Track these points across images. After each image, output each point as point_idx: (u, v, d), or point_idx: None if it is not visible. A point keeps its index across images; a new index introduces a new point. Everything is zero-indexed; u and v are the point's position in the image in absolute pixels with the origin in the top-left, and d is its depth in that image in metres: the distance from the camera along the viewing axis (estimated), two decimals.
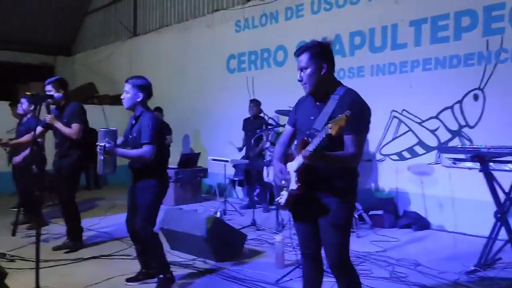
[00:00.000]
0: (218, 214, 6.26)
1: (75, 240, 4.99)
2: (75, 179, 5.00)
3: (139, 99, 3.69)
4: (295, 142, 2.85)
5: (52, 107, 4.79)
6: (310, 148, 2.33)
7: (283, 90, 7.67)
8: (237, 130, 7.98)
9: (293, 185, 2.53)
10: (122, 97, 3.74)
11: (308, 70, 2.54)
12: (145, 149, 3.57)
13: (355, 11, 6.87)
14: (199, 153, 8.57)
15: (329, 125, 2.18)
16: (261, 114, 7.71)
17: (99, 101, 11.18)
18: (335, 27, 7.04)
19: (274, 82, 7.90)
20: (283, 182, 2.61)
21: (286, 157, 2.70)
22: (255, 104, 7.45)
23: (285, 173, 2.60)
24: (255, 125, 7.21)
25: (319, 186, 2.54)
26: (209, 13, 9.35)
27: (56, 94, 4.70)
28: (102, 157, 3.62)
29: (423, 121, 6.18)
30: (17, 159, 5.86)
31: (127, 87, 3.70)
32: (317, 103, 2.61)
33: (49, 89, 4.75)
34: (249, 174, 7.34)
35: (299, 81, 2.61)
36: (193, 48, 9.69)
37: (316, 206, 2.57)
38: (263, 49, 8.26)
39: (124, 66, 11.44)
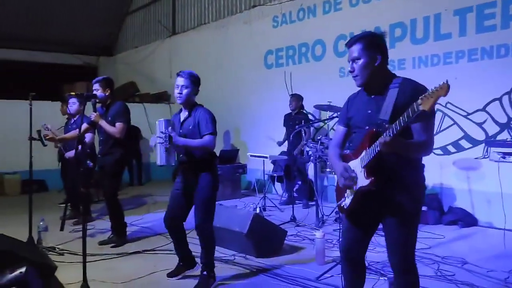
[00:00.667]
0: (258, 210, 6.27)
1: (119, 235, 5.13)
2: (118, 177, 5.14)
3: (189, 92, 3.68)
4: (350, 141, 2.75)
5: (98, 105, 4.92)
6: (390, 132, 2.17)
7: (321, 84, 7.59)
8: (276, 126, 7.96)
9: (363, 181, 2.38)
10: (179, 91, 3.66)
11: (361, 61, 2.43)
12: (208, 139, 3.59)
13: (395, 3, 6.70)
14: (238, 150, 8.61)
15: (419, 101, 1.98)
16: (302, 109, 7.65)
17: (140, 99, 11.45)
18: (375, 20, 6.88)
19: (313, 77, 7.82)
20: (350, 181, 2.44)
21: (342, 159, 2.57)
22: (294, 99, 7.37)
23: (350, 170, 2.44)
24: (296, 120, 7.16)
25: (389, 181, 2.39)
26: (246, 9, 9.37)
27: (100, 94, 4.83)
28: (167, 146, 3.56)
29: (469, 114, 5.95)
30: (70, 154, 6.07)
31: (183, 81, 3.66)
32: (373, 96, 2.48)
33: (96, 88, 4.90)
34: (288, 170, 7.31)
35: (350, 72, 2.50)
36: (231, 45, 9.75)
37: (385, 203, 2.42)
38: (301, 43, 8.19)
39: (163, 65, 11.65)
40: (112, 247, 4.95)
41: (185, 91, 3.66)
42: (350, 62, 2.49)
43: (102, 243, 5.06)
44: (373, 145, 2.30)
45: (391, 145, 2.17)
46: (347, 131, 2.66)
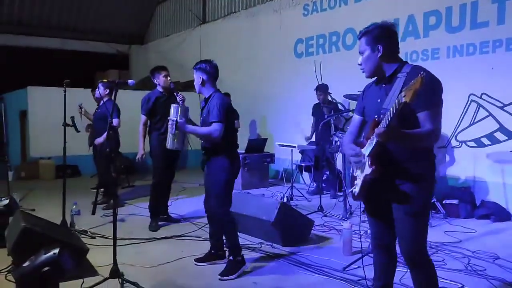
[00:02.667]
0: (285, 199, 6.27)
1: (154, 217, 5.28)
2: (160, 160, 5.27)
3: (201, 80, 3.75)
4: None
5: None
6: (383, 124, 2.22)
7: (352, 74, 7.43)
8: (304, 115, 7.91)
9: (367, 170, 2.42)
10: (194, 84, 3.84)
11: (365, 54, 2.52)
12: (213, 127, 3.61)
13: None
14: (266, 139, 8.61)
15: (403, 93, 2.06)
16: (330, 99, 7.56)
17: None
18: (408, 8, 6.72)
19: (343, 66, 7.71)
20: (358, 157, 2.49)
21: (356, 145, 2.59)
22: (321, 92, 7.25)
23: (358, 149, 2.50)
24: (325, 110, 7.09)
25: (393, 171, 2.42)
26: None
27: (130, 81, 4.91)
28: (174, 132, 3.71)
29: (506, 105, 5.75)
30: (99, 140, 6.22)
31: (194, 75, 3.81)
32: (383, 85, 2.51)
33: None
34: (317, 160, 7.27)
35: (359, 65, 2.58)
36: (261, 34, 9.70)
37: (391, 193, 2.45)
38: (332, 32, 8.07)
39: (194, 53, 11.71)
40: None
41: (197, 83, 3.79)
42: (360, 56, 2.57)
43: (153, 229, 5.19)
44: (373, 135, 2.34)
45: (386, 135, 2.22)
46: (362, 120, 2.71)
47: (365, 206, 2.71)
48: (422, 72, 2.04)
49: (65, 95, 4.95)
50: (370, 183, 2.46)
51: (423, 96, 2.10)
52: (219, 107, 3.63)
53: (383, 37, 2.47)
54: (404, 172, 2.41)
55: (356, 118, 2.73)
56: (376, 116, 2.40)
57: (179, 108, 3.78)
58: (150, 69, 5.65)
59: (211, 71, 3.77)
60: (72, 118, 5.57)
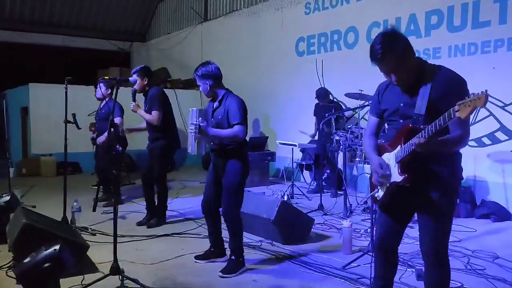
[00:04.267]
0: (286, 198, 6.27)
1: (160, 216, 5.31)
2: (165, 161, 5.31)
3: (208, 87, 3.72)
4: (384, 131, 2.71)
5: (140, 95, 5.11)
6: (425, 134, 2.16)
7: (353, 73, 7.47)
8: (305, 114, 7.91)
9: (397, 177, 2.36)
10: (201, 90, 3.80)
11: (398, 71, 2.35)
12: (237, 129, 3.57)
13: None
14: (267, 137, 8.61)
15: (456, 107, 1.98)
16: (331, 98, 7.58)
17: (171, 85, 11.57)
18: (410, 7, 6.71)
19: (344, 65, 7.71)
20: (384, 178, 2.43)
21: (378, 149, 2.56)
22: (322, 97, 7.28)
23: (386, 168, 2.42)
24: (327, 109, 7.09)
25: (425, 175, 2.36)
26: None
27: (131, 78, 4.91)
28: (197, 136, 3.54)
29: (507, 105, 5.75)
30: (101, 139, 6.22)
31: (198, 82, 3.75)
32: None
33: (135, 78, 5.06)
34: (318, 159, 7.27)
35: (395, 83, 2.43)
36: (263, 32, 9.69)
37: (418, 198, 2.40)
38: (333, 31, 8.06)
39: (195, 51, 11.72)
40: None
41: (204, 89, 3.74)
42: None
43: (139, 224, 5.27)
44: (408, 143, 2.27)
45: (426, 146, 2.16)
46: (379, 121, 2.63)
47: (381, 207, 2.61)
48: (485, 90, 1.92)
49: (66, 92, 4.95)
50: (396, 190, 2.41)
51: (453, 100, 2.02)
52: (239, 108, 3.59)
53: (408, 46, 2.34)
54: (433, 176, 2.36)
55: (373, 119, 2.65)
56: (411, 124, 2.32)
57: (198, 111, 3.58)
58: (152, 66, 5.64)
59: (215, 73, 3.72)
60: (73, 115, 5.57)
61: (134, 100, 5.02)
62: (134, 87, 5.05)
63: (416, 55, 2.41)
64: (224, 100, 3.71)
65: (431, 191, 2.36)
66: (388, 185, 2.44)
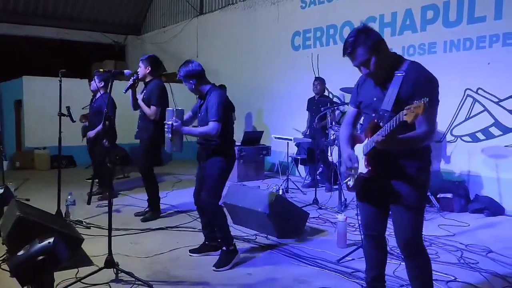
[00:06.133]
0: (280, 192, 6.28)
1: (154, 209, 5.31)
2: (153, 152, 5.28)
3: (193, 86, 3.77)
4: (361, 122, 2.77)
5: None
6: (383, 133, 2.25)
7: (349, 67, 7.42)
8: (300, 108, 7.90)
9: (363, 169, 2.47)
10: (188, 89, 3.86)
11: (372, 61, 2.45)
12: (210, 126, 3.65)
13: None
14: (262, 131, 8.60)
15: (404, 111, 2.07)
16: (326, 93, 7.57)
17: (166, 79, 11.52)
18: (405, 2, 6.70)
19: (340, 59, 7.62)
20: (351, 170, 2.56)
21: (353, 139, 2.64)
22: (320, 82, 7.32)
23: (354, 160, 2.53)
24: (320, 104, 7.09)
25: (390, 169, 2.45)
26: None
27: (126, 71, 4.88)
28: (170, 136, 3.73)
29: (501, 100, 5.77)
30: (91, 134, 6.20)
31: (184, 82, 3.81)
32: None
33: (139, 65, 5.17)
34: (312, 153, 7.28)
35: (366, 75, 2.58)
36: (258, 26, 9.66)
37: (387, 190, 2.48)
38: (329, 25, 8.05)
39: (191, 44, 11.66)
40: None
41: (190, 88, 3.81)
42: None
43: (137, 214, 5.33)
44: (371, 139, 2.37)
45: (384, 144, 2.25)
46: (357, 112, 2.73)
47: (357, 195, 2.74)
48: (425, 99, 2.01)
49: (60, 85, 4.92)
50: (364, 181, 2.51)
51: (421, 97, 2.07)
52: (218, 105, 3.65)
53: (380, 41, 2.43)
54: (400, 171, 2.43)
55: (352, 109, 2.75)
56: (376, 119, 2.41)
57: (173, 111, 3.77)
58: None
59: (197, 71, 3.77)
60: (68, 108, 5.54)
61: (125, 91, 5.03)
62: (133, 77, 5.00)
63: (406, 52, 2.46)
64: (207, 96, 3.78)
65: (400, 185, 2.44)
66: (355, 176, 2.55)
